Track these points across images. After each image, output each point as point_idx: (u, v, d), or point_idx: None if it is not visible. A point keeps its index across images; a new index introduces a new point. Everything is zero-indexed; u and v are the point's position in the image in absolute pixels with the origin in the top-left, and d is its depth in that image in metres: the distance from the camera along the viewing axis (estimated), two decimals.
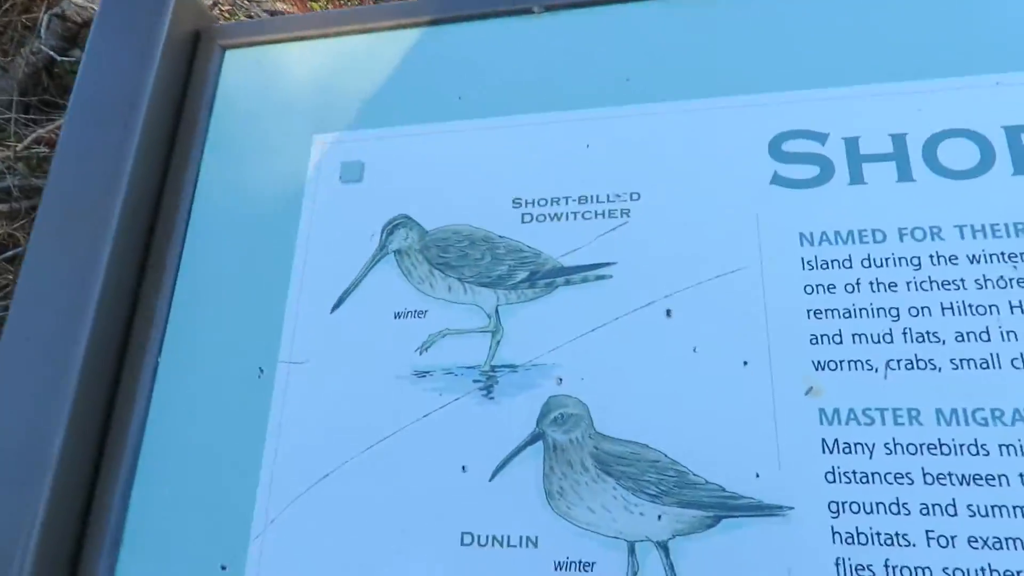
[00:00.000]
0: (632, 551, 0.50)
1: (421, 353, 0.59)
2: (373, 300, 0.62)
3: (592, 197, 0.61)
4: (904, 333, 0.52)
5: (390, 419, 0.57)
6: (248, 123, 0.72)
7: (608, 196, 0.61)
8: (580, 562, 0.51)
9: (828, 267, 0.55)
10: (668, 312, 0.56)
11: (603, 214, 0.61)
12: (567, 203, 0.62)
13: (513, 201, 0.63)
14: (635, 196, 0.61)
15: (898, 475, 0.48)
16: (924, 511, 0.47)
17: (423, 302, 0.61)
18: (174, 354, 0.63)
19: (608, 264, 0.59)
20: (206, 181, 0.70)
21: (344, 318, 0.62)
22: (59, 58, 1.69)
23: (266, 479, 0.57)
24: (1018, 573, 0.45)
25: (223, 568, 0.55)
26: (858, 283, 0.54)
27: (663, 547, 0.50)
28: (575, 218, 0.61)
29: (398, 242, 0.64)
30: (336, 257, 0.64)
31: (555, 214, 0.62)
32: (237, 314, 0.64)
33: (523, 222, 0.62)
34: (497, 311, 0.59)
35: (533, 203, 0.62)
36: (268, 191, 0.69)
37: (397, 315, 0.61)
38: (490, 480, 0.54)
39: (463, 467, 0.55)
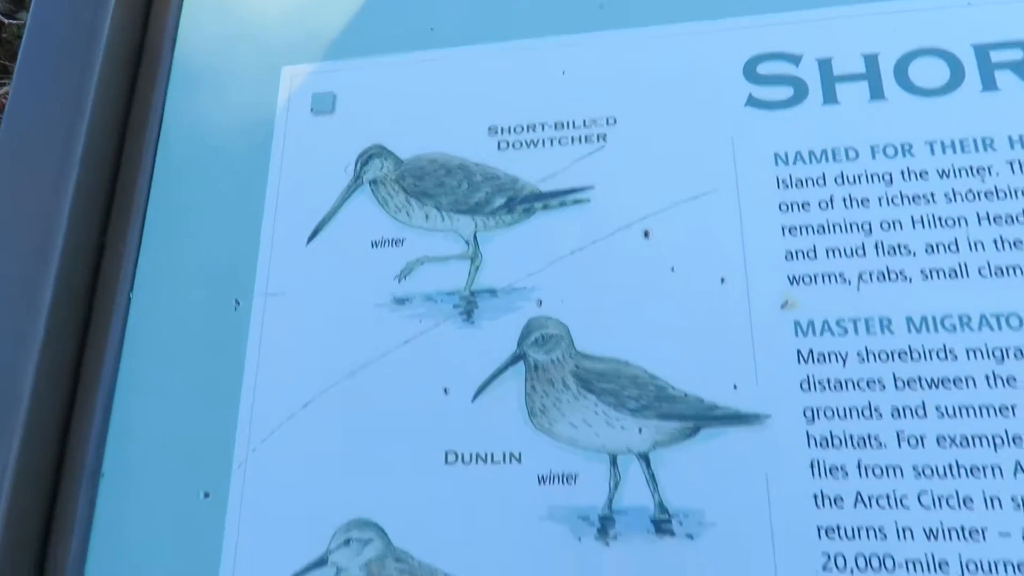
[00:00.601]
0: (614, 463, 0.51)
1: (400, 281, 0.59)
2: (349, 230, 0.62)
3: (568, 123, 0.61)
4: (876, 246, 0.53)
5: (371, 346, 0.57)
6: (214, 55, 0.70)
7: (584, 121, 0.61)
8: (563, 475, 0.52)
9: (802, 185, 0.56)
10: (646, 233, 0.56)
11: (580, 139, 0.61)
12: (543, 129, 0.62)
13: (489, 129, 0.63)
14: (611, 121, 0.60)
15: (870, 381, 0.50)
16: (895, 414, 0.49)
17: (400, 231, 0.61)
18: (147, 289, 0.62)
19: (585, 188, 0.59)
20: (172, 116, 0.68)
21: (320, 249, 0.61)
22: (7, 21, 1.62)
23: (246, 408, 0.57)
24: (983, 468, 0.47)
25: (206, 495, 0.55)
26: (831, 200, 0.55)
27: (644, 458, 0.51)
28: (551, 144, 0.61)
29: (373, 172, 0.63)
30: (310, 189, 0.64)
31: (531, 141, 0.62)
32: (210, 248, 0.63)
33: (499, 149, 0.62)
34: (475, 237, 0.59)
35: (509, 130, 0.62)
36: (237, 124, 0.67)
37: (374, 244, 0.61)
38: (472, 401, 0.54)
39: (445, 389, 0.55)
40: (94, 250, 0.64)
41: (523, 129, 0.62)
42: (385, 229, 0.61)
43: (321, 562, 0.52)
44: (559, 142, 0.61)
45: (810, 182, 0.55)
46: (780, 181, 0.56)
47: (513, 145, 0.62)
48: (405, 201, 0.61)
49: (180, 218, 0.64)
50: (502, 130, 0.62)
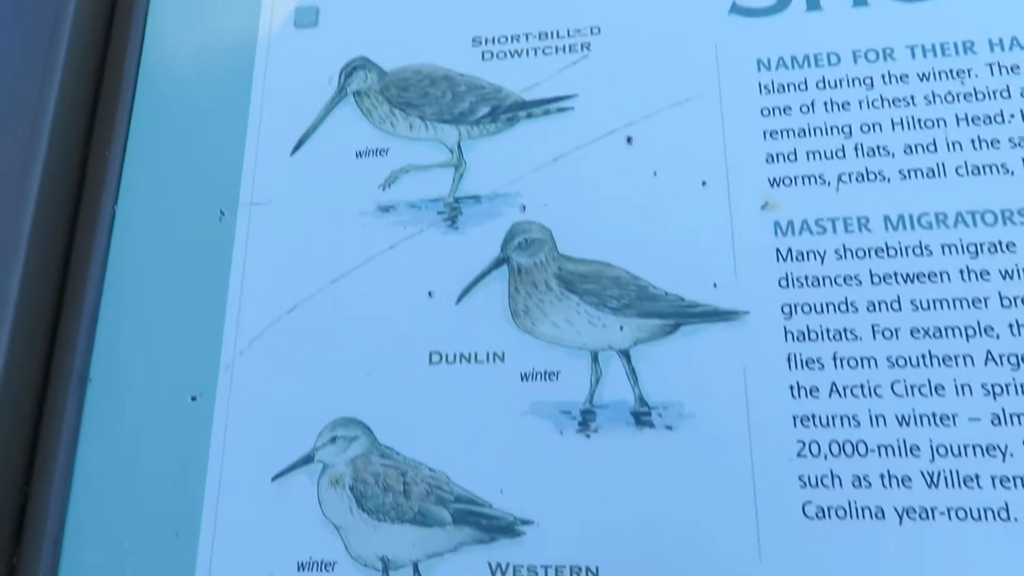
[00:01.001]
0: (595, 360, 0.52)
1: (384, 189, 0.59)
2: (333, 141, 0.61)
3: (552, 33, 0.61)
4: (856, 148, 0.53)
5: (355, 252, 0.58)
6: None
7: (568, 31, 0.61)
8: (546, 372, 0.52)
9: (784, 90, 0.56)
10: (629, 139, 0.57)
11: (563, 49, 0.60)
12: (527, 39, 0.61)
13: (472, 40, 0.62)
14: (595, 30, 0.60)
15: (847, 277, 0.50)
16: (871, 308, 0.49)
17: (385, 140, 0.61)
18: (131, 199, 0.62)
19: (569, 97, 0.59)
20: (155, 28, 0.68)
21: (305, 159, 0.61)
22: None
23: (232, 313, 0.57)
24: (955, 358, 0.48)
25: (193, 399, 0.56)
26: (812, 104, 0.55)
27: (625, 354, 0.52)
28: (535, 54, 0.61)
29: (357, 84, 0.63)
30: (293, 102, 0.63)
31: (515, 51, 0.61)
32: (194, 160, 0.63)
33: (483, 60, 0.62)
34: (459, 146, 0.59)
35: (493, 41, 0.62)
36: (221, 38, 0.67)
37: (359, 154, 0.61)
38: (456, 303, 0.55)
39: (429, 293, 0.56)
40: (78, 160, 0.63)
41: (507, 40, 0.62)
42: (369, 139, 0.61)
43: (308, 459, 0.53)
44: (543, 52, 0.61)
45: (792, 87, 0.56)
46: (762, 87, 0.56)
47: (497, 55, 0.61)
48: (389, 112, 0.61)
49: (164, 131, 0.64)
50: (486, 40, 0.62)
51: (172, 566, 0.52)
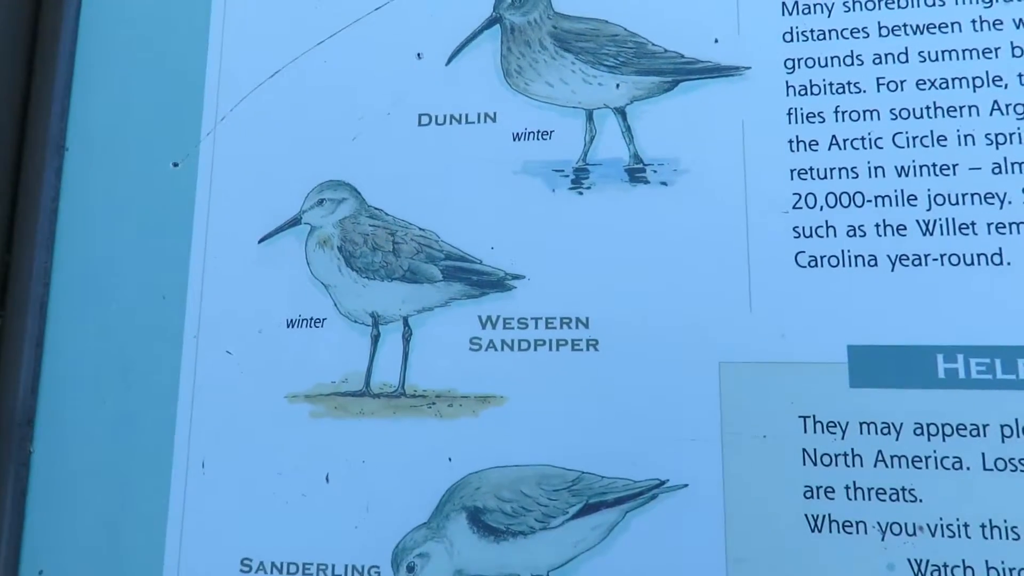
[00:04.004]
0: (590, 118, 0.50)
1: None
2: None
3: None
4: None
5: (340, 14, 0.54)
6: None
7: None
8: (538, 131, 0.51)
9: None
10: None
11: None
12: None
13: None
14: None
15: (854, 29, 0.48)
16: (876, 60, 0.48)
17: None
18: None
19: None
20: None
21: None
22: None
23: (212, 78, 0.55)
24: (960, 108, 0.46)
25: (175, 165, 0.54)
26: None
27: (621, 112, 0.50)
28: None
29: None
30: None
31: None
32: None
33: None
34: None
35: None
36: None
37: None
38: (447, 64, 0.53)
39: (418, 55, 0.53)
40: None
41: None
42: None
43: (294, 222, 0.52)
44: None
45: None
46: None
47: None
48: None
49: None
50: None
51: (160, 327, 0.52)
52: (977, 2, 0.47)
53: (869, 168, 0.47)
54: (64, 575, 0.49)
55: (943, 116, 0.47)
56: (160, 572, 0.48)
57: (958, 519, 0.42)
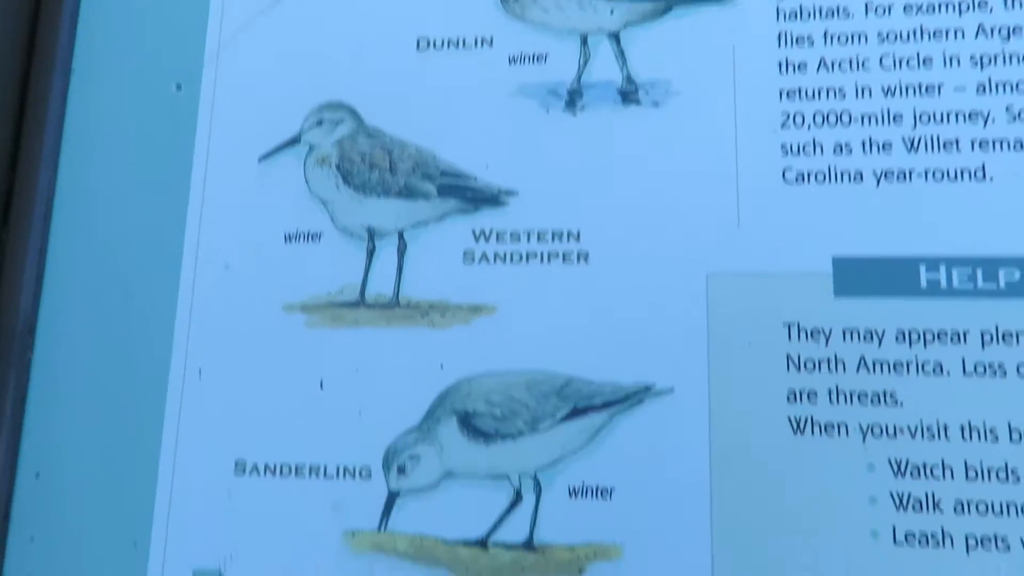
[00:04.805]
0: (584, 42, 0.52)
1: None
2: None
3: None
4: None
5: None
6: None
7: None
8: (534, 55, 0.52)
9: None
10: None
11: None
12: None
13: None
14: None
15: None
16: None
17: None
18: None
19: None
20: None
21: None
22: None
23: (216, 4, 0.56)
24: (945, 31, 0.47)
25: (178, 87, 0.56)
26: None
27: (614, 36, 0.51)
28: None
29: None
30: None
31: None
32: None
33: None
34: None
35: None
36: None
37: None
38: None
39: None
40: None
41: None
42: None
43: (294, 141, 0.53)
44: None
45: None
46: None
47: None
48: None
49: None
50: None
51: (161, 242, 0.53)
52: None
53: (856, 88, 0.48)
54: (60, 477, 0.50)
55: (929, 39, 0.48)
56: (155, 474, 0.49)
57: (938, 420, 0.42)
